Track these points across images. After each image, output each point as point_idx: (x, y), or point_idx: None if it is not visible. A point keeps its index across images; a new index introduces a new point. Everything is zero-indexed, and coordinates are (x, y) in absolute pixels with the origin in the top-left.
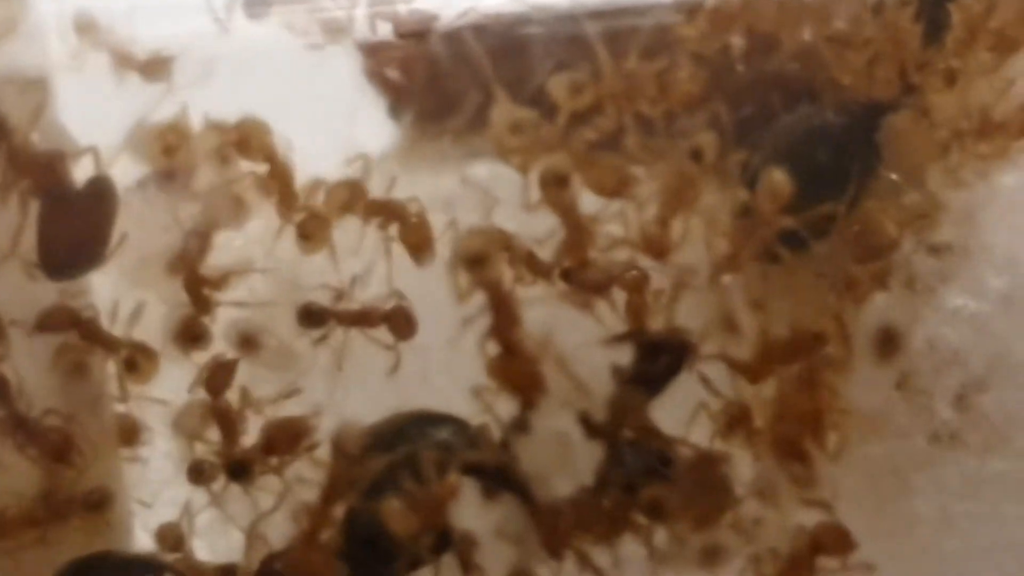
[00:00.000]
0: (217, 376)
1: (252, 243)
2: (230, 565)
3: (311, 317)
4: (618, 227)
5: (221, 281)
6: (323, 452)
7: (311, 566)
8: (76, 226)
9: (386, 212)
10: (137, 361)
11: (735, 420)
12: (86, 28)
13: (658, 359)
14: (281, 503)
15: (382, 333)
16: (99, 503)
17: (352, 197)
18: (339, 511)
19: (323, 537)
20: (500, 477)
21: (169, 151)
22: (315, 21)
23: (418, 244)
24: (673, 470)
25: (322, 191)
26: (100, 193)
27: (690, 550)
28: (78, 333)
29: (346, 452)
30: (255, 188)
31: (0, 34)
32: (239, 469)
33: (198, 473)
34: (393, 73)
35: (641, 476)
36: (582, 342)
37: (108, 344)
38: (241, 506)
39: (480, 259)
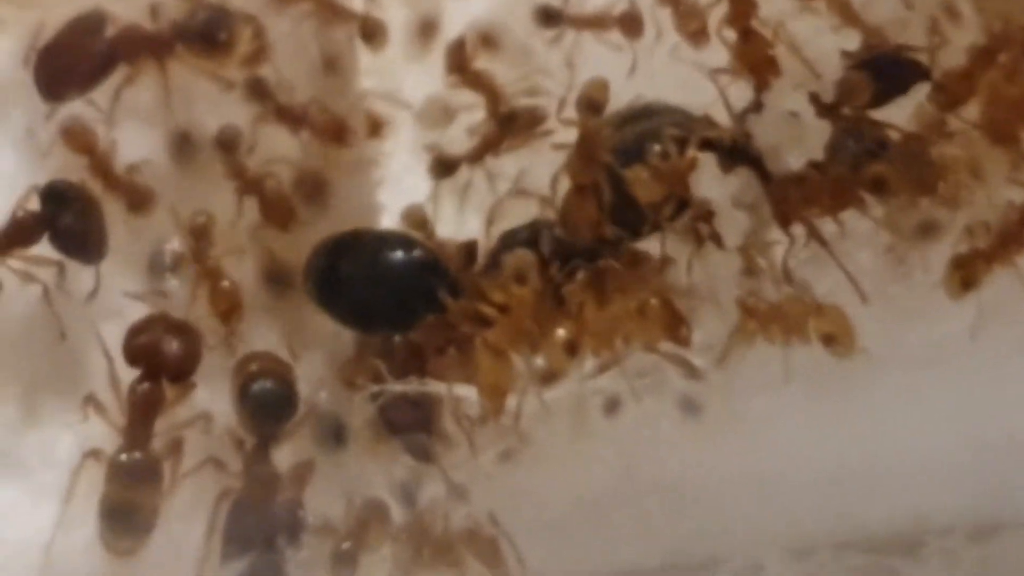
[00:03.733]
0: (457, 55)
1: None
2: (471, 241)
3: (547, 16)
4: None
5: None
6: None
7: (584, 218)
8: None
9: None
10: (372, 33)
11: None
12: None
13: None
14: (516, 186)
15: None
16: None
17: None
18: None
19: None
20: (736, 152)
21: None
22: None
23: None
24: (889, 152)
25: None
26: None
27: (908, 224)
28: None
29: (594, 104)
30: None
31: None
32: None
33: (440, 165)
34: None
35: (863, 155)
36: (813, 27)
37: (342, 14)
38: (479, 193)
39: None
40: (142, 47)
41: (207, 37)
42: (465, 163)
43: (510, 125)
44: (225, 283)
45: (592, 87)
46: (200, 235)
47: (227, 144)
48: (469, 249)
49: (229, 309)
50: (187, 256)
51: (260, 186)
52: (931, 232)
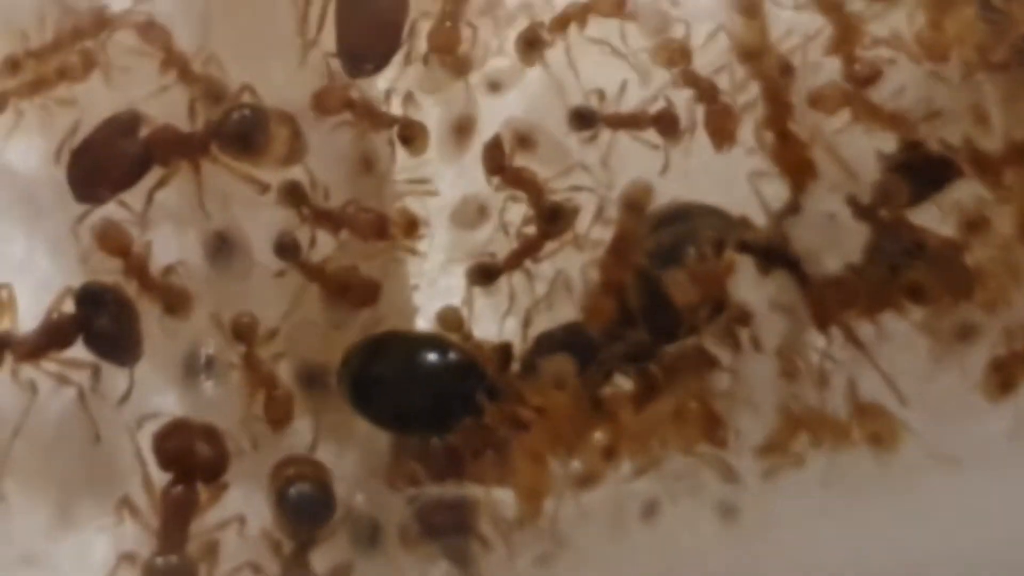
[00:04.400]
0: (494, 154)
1: None
2: (506, 343)
3: (581, 119)
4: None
5: (496, 84)
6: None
7: (602, 314)
8: (375, 12)
9: None
10: (411, 136)
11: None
12: None
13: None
14: (553, 289)
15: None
16: None
17: None
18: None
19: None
20: (773, 254)
21: None
22: None
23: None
24: (926, 256)
25: None
26: None
27: (946, 327)
28: (352, 112)
29: (635, 206)
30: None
31: None
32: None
33: (479, 273)
34: None
35: (900, 258)
36: (849, 130)
37: (381, 120)
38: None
39: (755, 52)
40: (176, 149)
41: (243, 138)
42: (504, 269)
43: (555, 220)
44: (280, 391)
45: (635, 189)
46: (246, 337)
47: (287, 249)
48: (504, 351)
49: (283, 417)
50: (235, 360)
51: (341, 278)
52: (970, 335)
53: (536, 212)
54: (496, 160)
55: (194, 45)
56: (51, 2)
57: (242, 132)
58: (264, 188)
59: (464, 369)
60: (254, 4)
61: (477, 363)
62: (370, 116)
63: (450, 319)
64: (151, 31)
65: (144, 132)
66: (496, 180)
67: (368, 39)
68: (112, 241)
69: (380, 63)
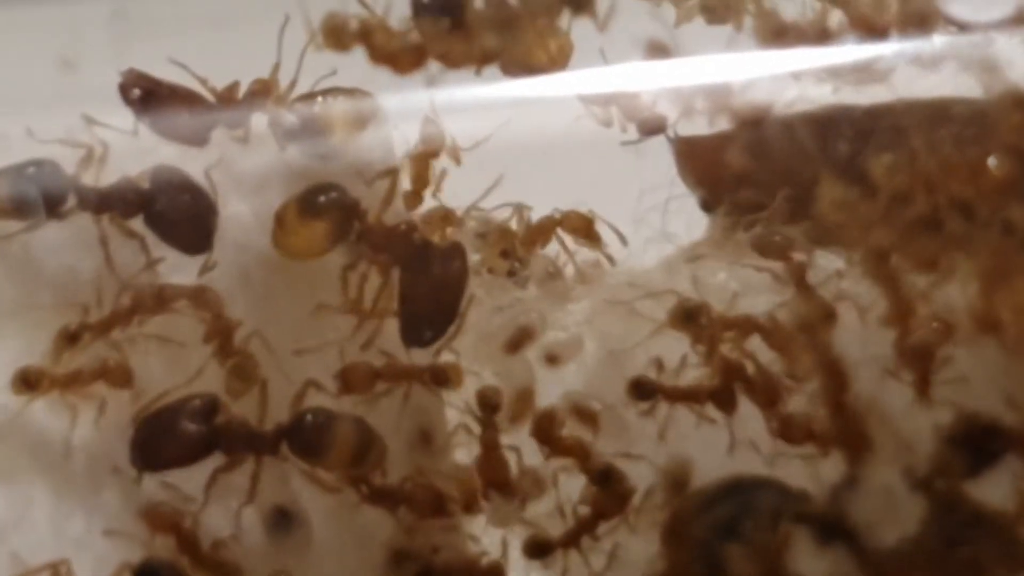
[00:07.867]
0: (545, 426)
1: (581, 322)
2: None
3: (640, 391)
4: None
5: (554, 357)
6: None
7: None
8: (436, 286)
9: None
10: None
11: None
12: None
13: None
14: (612, 563)
15: None
16: None
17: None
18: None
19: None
20: (831, 527)
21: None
22: (631, 117)
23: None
24: (983, 529)
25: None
26: (456, 254)
27: None
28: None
29: (677, 483)
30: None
31: (353, 130)
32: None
33: (534, 548)
34: (736, 157)
35: (958, 531)
36: (905, 402)
37: (412, 373)
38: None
39: (812, 325)
40: (244, 443)
41: (311, 444)
42: (559, 546)
43: (606, 483)
44: None
45: (674, 466)
46: None
47: None
48: None
49: None
50: None
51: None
52: None
53: (586, 476)
54: (546, 431)
55: (248, 319)
56: (109, 276)
57: (311, 437)
58: (331, 490)
59: None
60: (313, 279)
61: None
62: (402, 375)
63: None
64: (203, 297)
65: (219, 419)
66: (547, 451)
67: (430, 310)
68: (161, 521)
69: (438, 333)
